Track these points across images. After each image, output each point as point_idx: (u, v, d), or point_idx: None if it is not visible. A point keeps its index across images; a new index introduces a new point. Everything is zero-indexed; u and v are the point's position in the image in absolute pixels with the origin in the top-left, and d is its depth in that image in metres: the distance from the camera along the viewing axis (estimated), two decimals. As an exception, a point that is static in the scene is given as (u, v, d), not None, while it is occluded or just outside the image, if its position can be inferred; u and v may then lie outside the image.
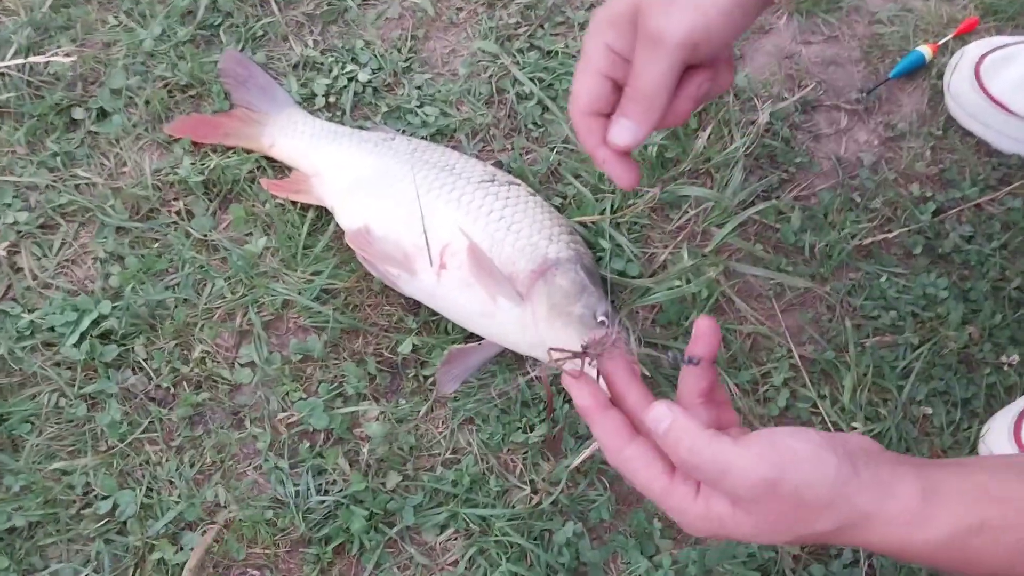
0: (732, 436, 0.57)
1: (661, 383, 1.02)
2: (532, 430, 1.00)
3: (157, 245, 1.08)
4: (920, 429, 1.03)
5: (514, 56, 1.21)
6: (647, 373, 1.01)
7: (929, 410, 1.03)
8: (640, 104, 0.64)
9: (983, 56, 1.16)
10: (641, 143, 0.65)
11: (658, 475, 0.59)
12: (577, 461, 0.97)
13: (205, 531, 0.94)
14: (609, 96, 0.67)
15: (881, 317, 1.08)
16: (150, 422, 0.99)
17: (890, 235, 1.12)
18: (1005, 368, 1.05)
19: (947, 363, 1.05)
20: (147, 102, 1.15)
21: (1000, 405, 1.04)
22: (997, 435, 0.99)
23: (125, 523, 0.95)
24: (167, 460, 0.98)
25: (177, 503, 0.96)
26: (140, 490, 0.96)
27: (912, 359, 1.05)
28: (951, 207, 1.14)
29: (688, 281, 1.05)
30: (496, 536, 0.95)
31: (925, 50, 1.21)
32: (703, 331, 0.65)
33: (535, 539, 0.96)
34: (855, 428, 1.01)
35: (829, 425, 1.02)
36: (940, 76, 1.21)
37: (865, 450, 0.58)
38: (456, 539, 0.96)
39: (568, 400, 1.01)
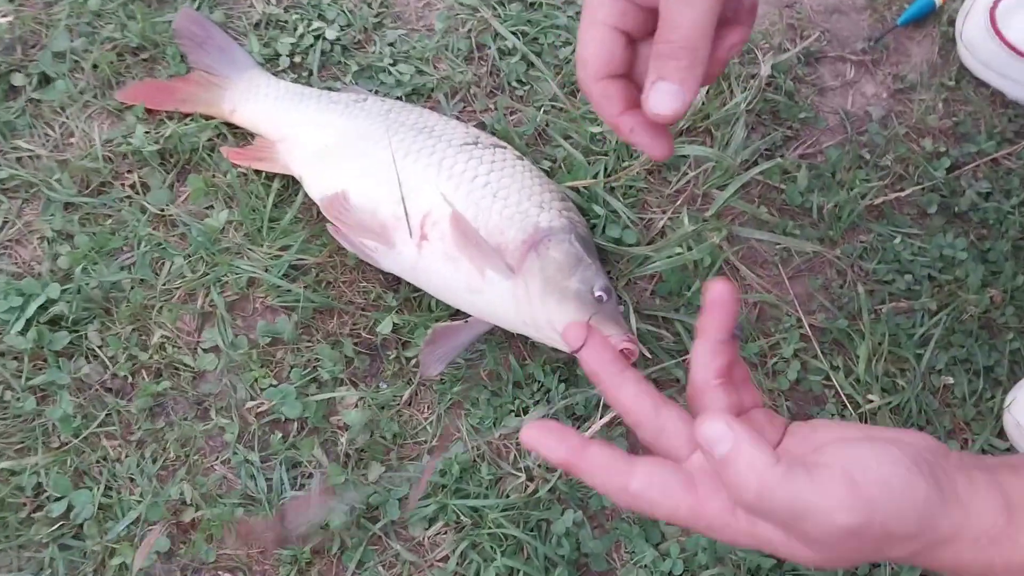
0: (804, 466, 0.48)
1: (663, 357, 0.95)
2: (526, 412, 0.93)
3: (110, 222, 0.98)
4: (941, 400, 0.96)
5: (494, 8, 1.12)
6: (646, 353, 0.94)
7: (950, 379, 0.96)
8: (681, 60, 0.53)
9: (998, 0, 1.08)
10: (687, 109, 0.55)
11: (681, 499, 0.50)
12: (575, 445, 0.90)
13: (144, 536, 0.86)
14: (624, 53, 0.58)
15: (896, 281, 1.00)
16: (107, 415, 0.90)
17: (903, 194, 1.05)
18: (1030, 333, 0.98)
19: (967, 329, 0.98)
20: (95, 66, 1.05)
21: (1024, 372, 0.97)
22: (1023, 405, 0.92)
23: (82, 526, 0.86)
24: (126, 456, 0.89)
25: (139, 502, 0.87)
26: (97, 489, 0.87)
27: (930, 326, 0.98)
28: (966, 162, 1.07)
29: (689, 248, 0.97)
30: (489, 528, 0.87)
31: None
32: (718, 297, 0.57)
33: (532, 530, 0.88)
34: (871, 401, 0.94)
35: (844, 398, 0.95)
36: (952, 23, 1.13)
37: (935, 455, 0.50)
38: (446, 533, 0.88)
39: (563, 380, 0.93)
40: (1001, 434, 0.95)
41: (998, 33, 1.07)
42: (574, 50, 1.08)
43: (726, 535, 0.50)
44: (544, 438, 0.52)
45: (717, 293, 0.57)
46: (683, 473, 0.51)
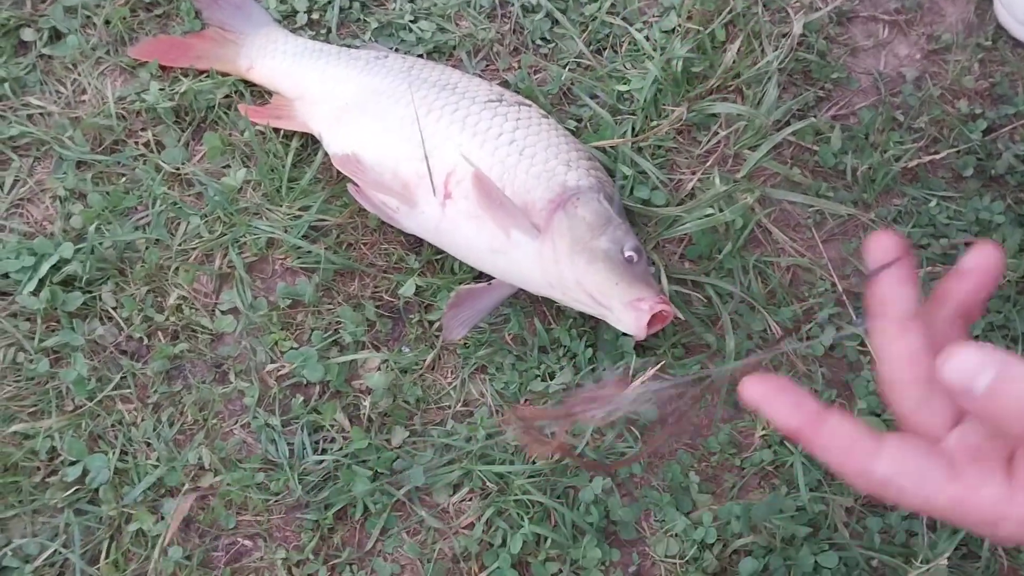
0: None
1: (693, 323, 0.92)
2: (552, 378, 0.90)
3: (124, 180, 0.96)
4: (979, 367, 0.93)
5: (519, -36, 1.08)
6: (680, 315, 0.91)
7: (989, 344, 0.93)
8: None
9: (1039, -45, 1.04)
10: None
11: (939, 487, 0.41)
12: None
13: (184, 498, 0.83)
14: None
15: (931, 246, 0.98)
16: (122, 377, 0.88)
17: (938, 156, 1.02)
18: (1070, 298, 0.95)
19: (1005, 294, 0.96)
20: (107, 22, 1.02)
21: (1065, 339, 0.94)
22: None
23: (97, 491, 0.84)
24: (143, 420, 0.87)
25: (155, 467, 0.85)
26: (113, 454, 0.85)
27: (967, 291, 0.95)
28: (1003, 124, 1.04)
29: (720, 210, 0.94)
30: (516, 495, 0.85)
31: None
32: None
33: (559, 497, 0.86)
34: (907, 367, 0.91)
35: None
36: (989, -20, 1.10)
37: None
38: (471, 499, 0.86)
39: (590, 344, 0.90)
40: (1041, 402, 0.92)
41: (1038, -10, 1.03)
42: (600, 6, 1.05)
43: (1004, 531, 0.41)
44: (774, 399, 0.44)
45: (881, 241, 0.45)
46: (942, 456, 0.42)
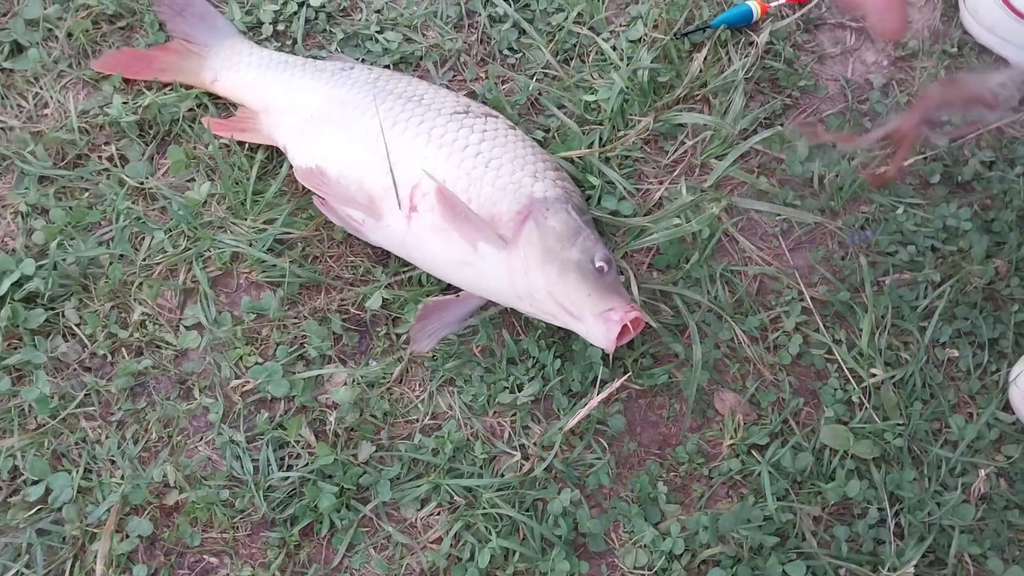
0: None
1: (662, 333, 0.92)
2: (520, 389, 0.90)
3: (87, 195, 0.95)
4: (945, 373, 0.94)
5: (485, -26, 1.08)
6: (652, 323, 0.91)
7: (955, 352, 0.94)
8: None
9: (1003, -37, 1.05)
10: None
11: None
12: (572, 422, 0.87)
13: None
14: None
15: (898, 253, 0.98)
16: (86, 395, 0.87)
17: (905, 163, 1.02)
18: (1035, 304, 0.96)
19: (971, 301, 0.96)
20: (69, 34, 1.01)
21: (1030, 344, 0.95)
22: (1032, 377, 0.90)
23: (60, 510, 0.83)
24: (107, 437, 0.86)
25: (120, 485, 0.84)
26: (77, 472, 0.84)
27: (934, 297, 0.96)
28: (969, 131, 1.04)
29: (687, 219, 0.94)
30: (484, 508, 0.85)
31: (754, 5, 1.05)
32: None
33: (527, 510, 0.85)
34: (875, 375, 0.92)
35: (847, 372, 0.92)
36: (954, -13, 1.11)
37: None
38: (439, 514, 0.86)
39: (558, 355, 0.90)
40: (1007, 407, 0.93)
41: (1003, -3, 1.04)
42: (567, 16, 1.05)
43: None
44: None
45: None
46: None
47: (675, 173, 0.99)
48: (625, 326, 0.83)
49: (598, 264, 0.85)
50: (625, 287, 0.89)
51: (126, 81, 0.99)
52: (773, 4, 1.06)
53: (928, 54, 1.09)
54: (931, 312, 0.95)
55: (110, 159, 0.96)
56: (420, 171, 0.88)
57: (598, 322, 0.83)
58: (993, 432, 0.91)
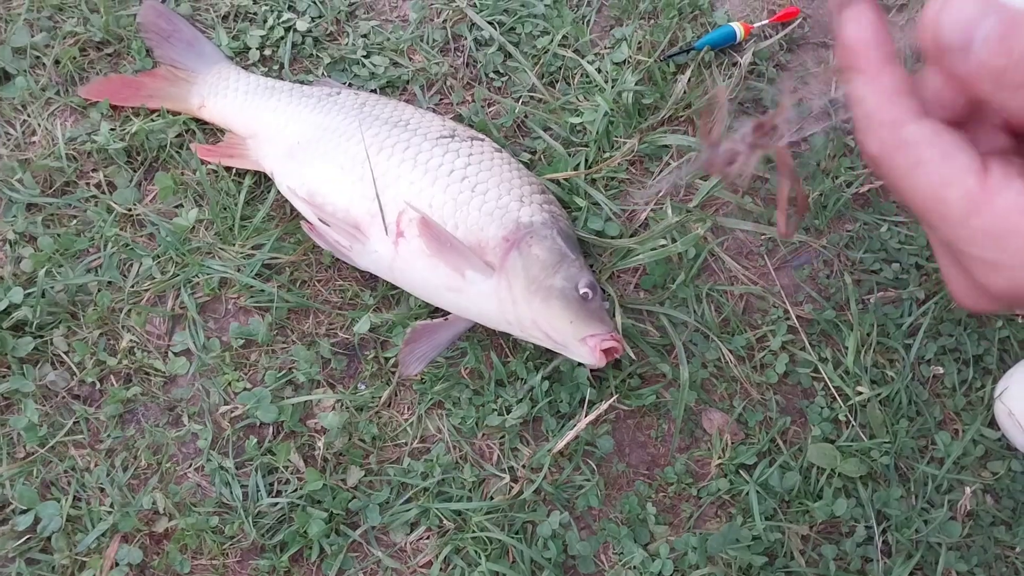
0: None
1: (649, 353, 0.93)
2: (509, 411, 0.90)
3: (75, 222, 0.95)
4: (931, 390, 0.94)
5: (470, -2, 1.09)
6: (631, 354, 0.91)
7: (940, 369, 0.95)
8: None
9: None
10: None
11: (960, 175, 0.34)
12: (561, 444, 0.87)
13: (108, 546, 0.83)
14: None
15: (883, 271, 0.99)
16: (74, 423, 0.87)
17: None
18: (1019, 320, 0.97)
19: (956, 318, 0.97)
20: (57, 62, 1.01)
21: (1014, 360, 0.96)
22: (1016, 394, 0.91)
23: (49, 539, 0.83)
24: (95, 465, 0.86)
25: (109, 513, 0.84)
26: (66, 500, 0.84)
27: (918, 315, 0.96)
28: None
29: (673, 240, 0.95)
30: (473, 532, 0.85)
31: (738, 27, 1.05)
32: None
33: (517, 533, 0.86)
34: (860, 392, 0.92)
35: (832, 390, 0.93)
36: (935, 7, 1.11)
37: None
38: (428, 538, 0.86)
39: (546, 377, 0.90)
40: (992, 424, 0.93)
41: (982, 16, 1.05)
42: (552, 39, 1.06)
43: (997, 247, 0.35)
44: (856, 9, 0.37)
45: None
46: (974, 150, 0.35)
47: (661, 194, 1.00)
48: (610, 352, 0.83)
49: (582, 291, 0.85)
50: (610, 313, 0.89)
51: (114, 108, 1.00)
52: (756, 25, 1.08)
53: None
54: (916, 329, 0.96)
55: (98, 186, 0.96)
56: (406, 197, 0.88)
57: (580, 347, 0.83)
58: (979, 449, 0.92)
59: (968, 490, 0.89)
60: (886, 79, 0.36)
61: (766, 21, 1.08)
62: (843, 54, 0.38)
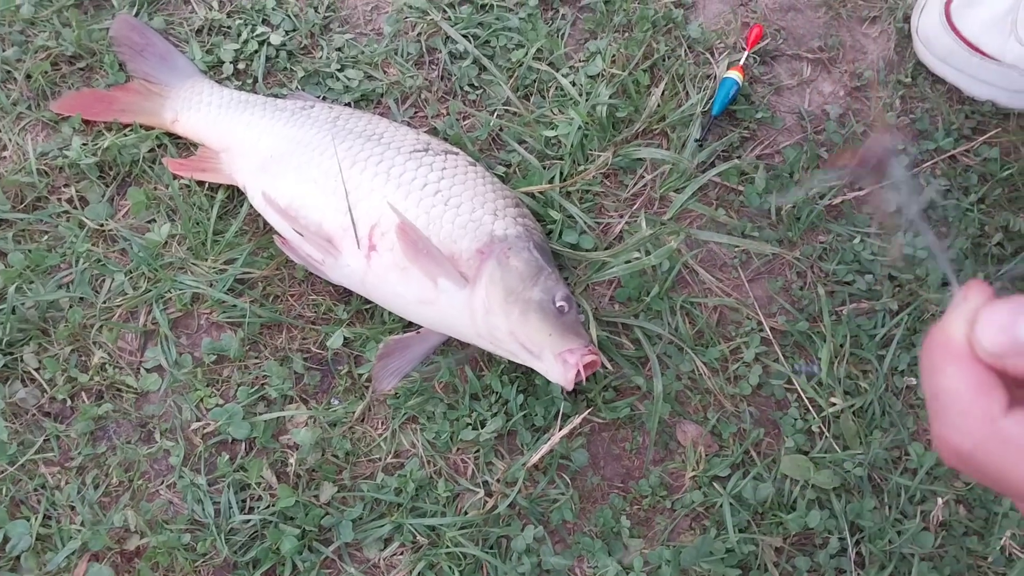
0: None
1: (623, 364, 0.93)
2: (483, 425, 0.90)
3: (46, 238, 0.95)
4: (904, 401, 0.95)
5: (444, 11, 1.09)
6: (607, 365, 0.91)
7: (913, 380, 0.95)
8: None
9: (952, -5, 1.07)
10: None
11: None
12: (535, 458, 0.87)
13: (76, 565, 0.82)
14: None
15: (856, 282, 0.99)
16: (45, 440, 0.87)
17: (861, 193, 1.03)
18: (990, 331, 0.97)
19: (929, 328, 0.97)
20: (28, 76, 1.01)
21: (986, 371, 0.96)
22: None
23: (19, 558, 0.82)
24: (66, 483, 0.86)
25: (80, 531, 0.84)
26: (35, 519, 0.84)
27: (891, 326, 0.97)
28: (924, 160, 1.06)
29: (647, 252, 0.95)
30: (447, 547, 0.85)
31: (734, 75, 1.04)
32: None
33: (491, 548, 0.86)
34: (834, 404, 0.93)
35: (806, 402, 0.93)
36: (907, 19, 1.12)
37: None
38: (402, 553, 0.86)
39: (521, 390, 0.90)
40: (964, 434, 0.94)
41: (953, 28, 1.06)
42: (526, 53, 1.06)
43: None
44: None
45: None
46: None
47: (635, 206, 1.00)
48: (588, 366, 0.83)
49: (559, 304, 0.85)
50: (584, 327, 0.89)
51: (86, 122, 0.99)
52: (741, 60, 1.07)
53: (883, 84, 1.11)
54: (889, 340, 0.96)
55: (70, 201, 0.96)
56: (379, 211, 0.88)
57: (556, 362, 0.83)
58: (951, 459, 0.92)
59: (940, 501, 0.89)
60: (980, 371, 0.36)
61: (745, 53, 1.08)
62: (935, 351, 0.38)
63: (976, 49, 1.05)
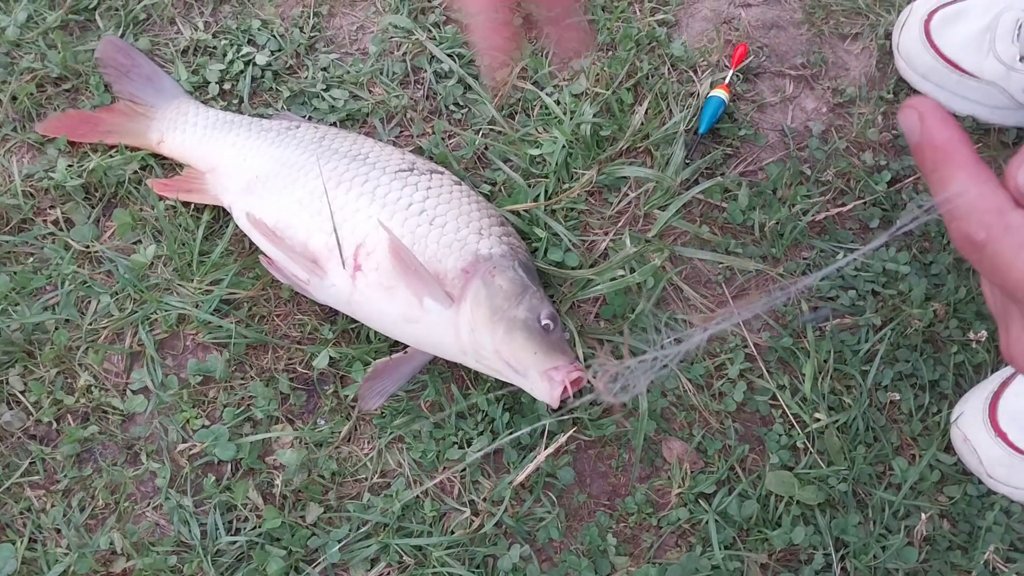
0: None
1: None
2: (469, 444, 0.90)
3: (31, 260, 0.95)
4: (888, 416, 0.96)
5: (429, 31, 1.10)
6: (592, 382, 0.91)
7: (896, 395, 0.96)
8: None
9: (932, 12, 1.08)
10: None
11: None
12: (521, 476, 0.88)
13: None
14: None
15: (840, 297, 1.00)
16: (31, 463, 0.87)
17: (844, 209, 1.04)
18: (973, 345, 0.98)
19: (912, 343, 0.98)
20: (14, 98, 1.01)
21: (969, 384, 0.97)
22: (971, 419, 0.92)
23: (4, 583, 0.82)
24: (52, 506, 0.86)
25: (66, 554, 0.84)
26: (21, 542, 0.84)
27: (875, 341, 0.98)
28: (907, 175, 1.07)
29: (632, 270, 0.96)
30: (434, 567, 0.85)
31: (720, 93, 1.05)
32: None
33: (478, 567, 0.86)
34: (818, 419, 0.93)
35: (790, 417, 0.94)
36: (888, 36, 1.14)
37: None
38: (389, 574, 0.86)
39: (508, 408, 0.91)
40: (948, 448, 0.94)
41: (933, 45, 1.07)
42: (511, 71, 1.07)
43: None
44: (929, 115, 0.41)
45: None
46: None
47: (619, 224, 1.01)
48: (574, 383, 0.84)
49: (544, 322, 0.86)
50: (570, 345, 0.89)
51: (71, 144, 0.99)
52: (726, 79, 1.08)
53: (865, 100, 1.12)
54: (872, 356, 0.97)
55: (55, 223, 0.96)
56: (364, 231, 0.89)
57: (542, 380, 0.84)
58: (935, 474, 0.93)
59: (924, 516, 0.90)
60: (984, 172, 0.41)
61: (730, 72, 1.09)
62: (934, 155, 0.42)
63: (955, 66, 1.06)
